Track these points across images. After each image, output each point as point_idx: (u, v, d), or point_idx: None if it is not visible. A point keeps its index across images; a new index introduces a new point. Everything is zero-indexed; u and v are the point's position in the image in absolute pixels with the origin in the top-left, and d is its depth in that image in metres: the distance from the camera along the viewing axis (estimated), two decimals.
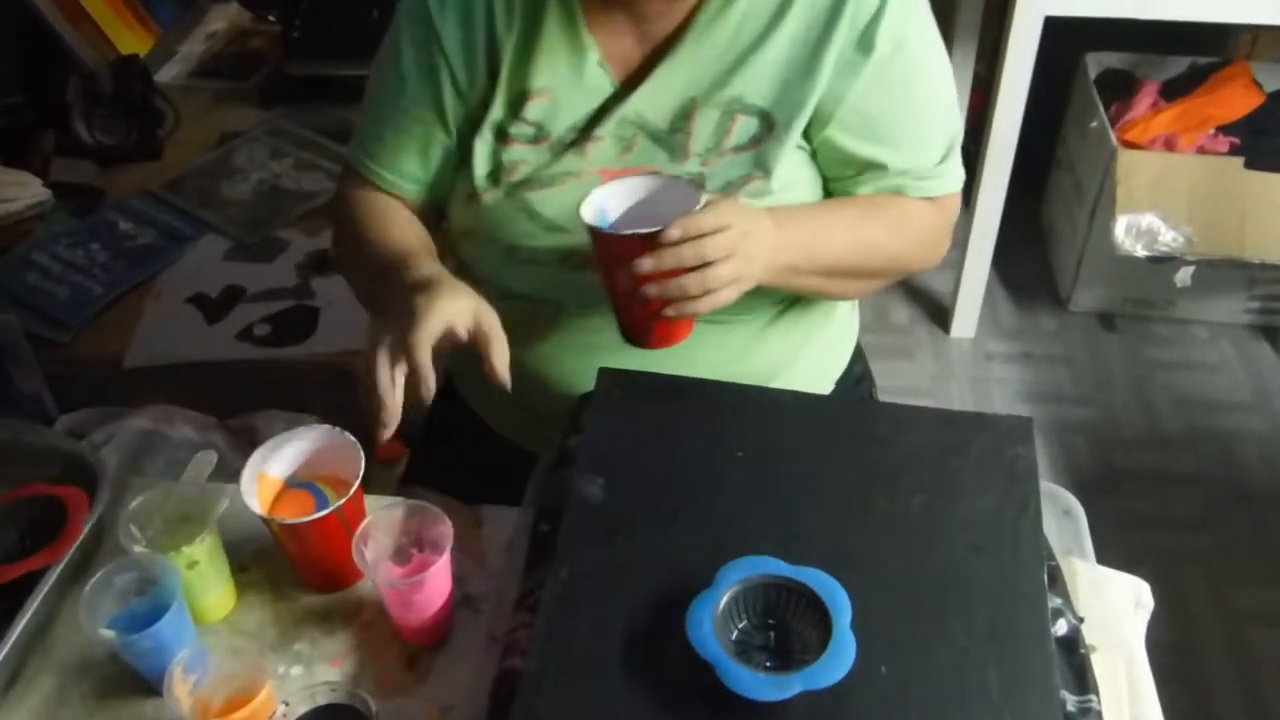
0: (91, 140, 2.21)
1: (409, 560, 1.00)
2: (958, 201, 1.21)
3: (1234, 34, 2.74)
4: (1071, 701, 0.88)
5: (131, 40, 2.43)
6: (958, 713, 0.82)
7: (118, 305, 1.89)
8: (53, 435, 1.22)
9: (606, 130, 1.10)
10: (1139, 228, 2.40)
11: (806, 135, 1.11)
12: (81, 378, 1.78)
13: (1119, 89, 2.58)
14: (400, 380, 0.96)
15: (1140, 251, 2.41)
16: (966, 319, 2.67)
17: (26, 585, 0.99)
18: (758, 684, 0.80)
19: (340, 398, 1.80)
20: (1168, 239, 2.39)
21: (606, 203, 1.03)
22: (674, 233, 0.94)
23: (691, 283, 0.96)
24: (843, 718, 0.82)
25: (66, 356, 1.81)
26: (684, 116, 1.09)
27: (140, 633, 0.89)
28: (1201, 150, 2.41)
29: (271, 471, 1.02)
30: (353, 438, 1.03)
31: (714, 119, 1.09)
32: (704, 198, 1.00)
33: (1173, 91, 2.54)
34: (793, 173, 1.12)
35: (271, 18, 2.56)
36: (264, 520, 0.98)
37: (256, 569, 1.06)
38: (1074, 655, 0.92)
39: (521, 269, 1.15)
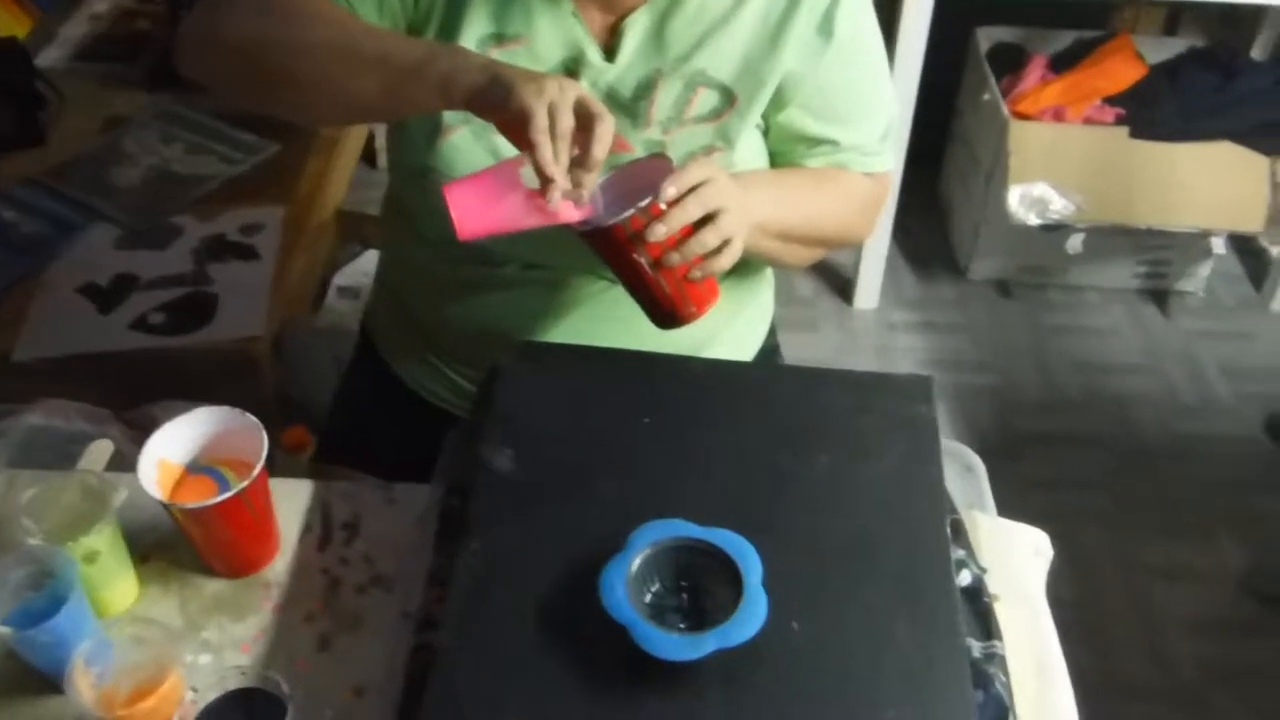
0: None
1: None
2: (891, 179, 1.25)
3: (1117, 8, 2.82)
4: (977, 648, 0.91)
5: (9, 22, 2.35)
6: (868, 664, 0.84)
7: (4, 298, 1.83)
8: None
9: None
10: (1031, 197, 2.46)
11: (764, 113, 1.13)
12: None
13: (1009, 62, 2.64)
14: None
15: (1033, 220, 2.47)
16: (869, 290, 2.72)
17: None
18: (672, 644, 0.81)
19: (241, 386, 1.77)
20: (1059, 207, 2.45)
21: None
22: (670, 190, 0.94)
23: (709, 235, 0.97)
24: (756, 674, 0.83)
25: None
26: (648, 86, 1.09)
27: (36, 627, 0.86)
28: (1089, 121, 2.48)
29: (171, 457, 1.00)
30: (254, 419, 1.01)
31: (676, 90, 1.09)
32: (673, 158, 1.01)
33: (1060, 64, 2.61)
34: (751, 145, 1.14)
35: None
36: (165, 507, 0.96)
37: (159, 558, 1.04)
38: (978, 604, 0.95)
39: None
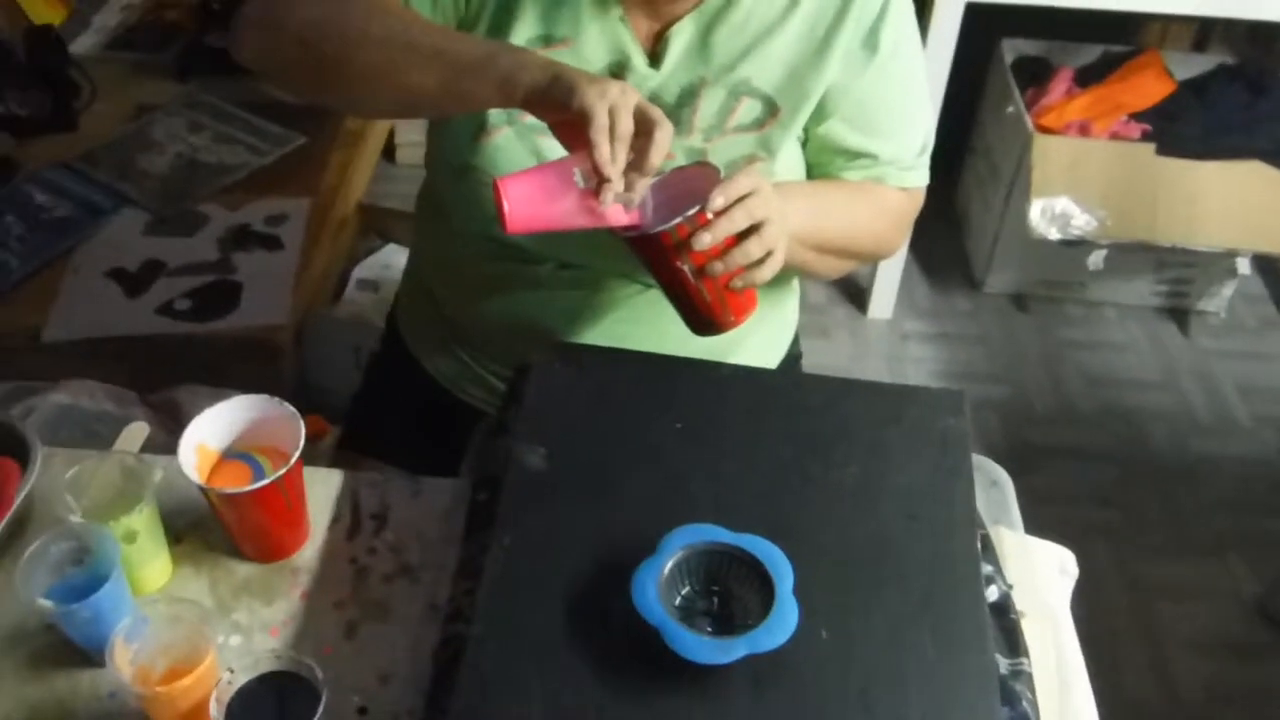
0: (5, 111, 2.16)
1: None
2: (924, 194, 1.25)
3: (1145, 23, 2.81)
4: (1004, 664, 0.91)
5: (45, 10, 2.39)
6: (896, 675, 0.85)
7: (35, 279, 1.85)
8: None
9: None
10: (1053, 211, 2.45)
11: (805, 125, 1.14)
12: None
13: (1034, 75, 2.64)
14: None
15: (1054, 235, 2.46)
16: (883, 299, 2.72)
17: None
18: (703, 647, 0.82)
19: (262, 373, 1.79)
20: (1081, 223, 2.45)
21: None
22: (718, 200, 0.95)
23: (753, 246, 0.97)
24: (784, 681, 0.84)
25: None
26: (692, 94, 1.10)
27: (79, 602, 0.87)
28: (1114, 136, 2.48)
29: (209, 442, 1.01)
30: (291, 408, 1.02)
31: (720, 99, 1.10)
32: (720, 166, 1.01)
33: (1086, 78, 2.60)
34: (791, 156, 1.15)
35: None
36: (203, 490, 0.97)
37: (192, 540, 1.05)
38: (1005, 620, 0.95)
39: None
